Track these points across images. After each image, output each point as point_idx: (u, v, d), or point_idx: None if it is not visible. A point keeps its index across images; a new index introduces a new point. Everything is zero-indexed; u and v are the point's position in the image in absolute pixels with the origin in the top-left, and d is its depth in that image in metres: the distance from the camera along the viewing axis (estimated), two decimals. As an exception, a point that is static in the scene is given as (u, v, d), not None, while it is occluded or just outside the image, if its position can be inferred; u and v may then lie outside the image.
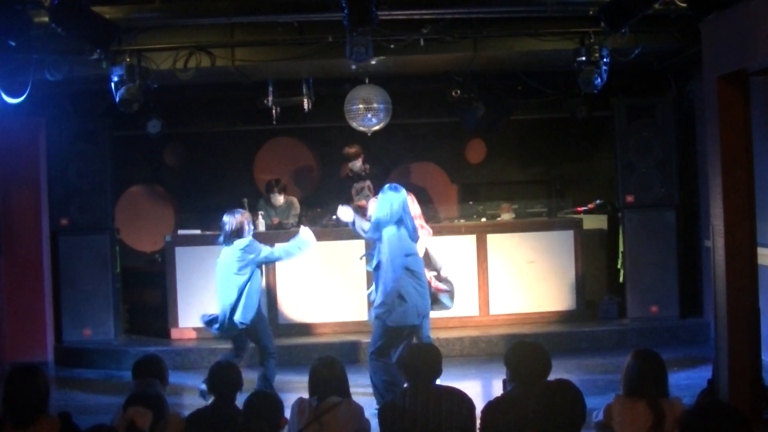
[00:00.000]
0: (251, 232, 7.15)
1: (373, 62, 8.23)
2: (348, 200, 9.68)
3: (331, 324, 9.20)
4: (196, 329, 9.32)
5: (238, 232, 7.05)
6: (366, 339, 8.89)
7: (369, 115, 9.13)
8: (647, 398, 4.31)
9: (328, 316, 9.09)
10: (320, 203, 10.18)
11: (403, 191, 6.83)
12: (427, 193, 10.73)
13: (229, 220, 7.08)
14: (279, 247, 7.22)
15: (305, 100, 9.46)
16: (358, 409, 4.72)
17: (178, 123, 10.45)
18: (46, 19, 6.40)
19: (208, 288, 9.29)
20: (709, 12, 5.24)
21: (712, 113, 5.15)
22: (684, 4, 6.58)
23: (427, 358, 4.81)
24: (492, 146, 11.28)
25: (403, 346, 6.60)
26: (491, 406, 4.46)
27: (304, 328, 9.29)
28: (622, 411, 4.34)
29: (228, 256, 7.09)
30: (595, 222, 10.27)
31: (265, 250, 7.10)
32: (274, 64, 8.36)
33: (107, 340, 9.26)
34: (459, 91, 9.62)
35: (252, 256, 7.02)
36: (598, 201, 10.26)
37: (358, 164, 9.80)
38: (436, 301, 7.08)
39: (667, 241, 9.39)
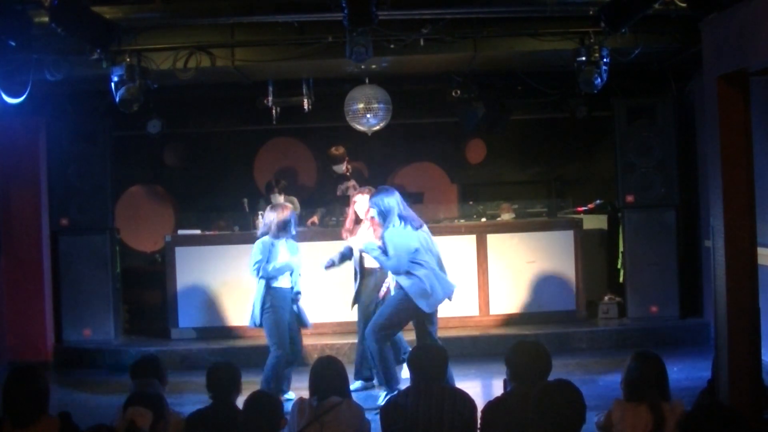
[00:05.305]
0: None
1: (373, 66, 8.26)
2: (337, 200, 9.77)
3: (331, 324, 9.20)
4: (196, 329, 9.33)
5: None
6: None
7: (369, 115, 9.13)
8: (648, 401, 4.29)
9: (328, 316, 9.08)
10: (320, 203, 10.18)
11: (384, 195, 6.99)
12: (427, 193, 10.74)
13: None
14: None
15: (305, 100, 9.46)
16: (359, 409, 4.72)
17: (178, 123, 10.45)
18: (46, 19, 6.40)
19: (208, 288, 9.32)
20: (709, 12, 5.23)
21: (712, 113, 5.15)
22: (684, 4, 6.58)
23: (434, 359, 4.81)
24: (492, 146, 11.29)
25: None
26: (491, 406, 4.46)
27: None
28: (622, 415, 4.32)
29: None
30: (595, 222, 10.27)
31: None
32: (274, 64, 8.36)
33: (107, 340, 9.26)
34: (459, 91, 9.62)
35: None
36: (598, 201, 10.27)
37: (342, 167, 9.83)
38: None
39: (667, 241, 9.38)
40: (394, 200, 6.93)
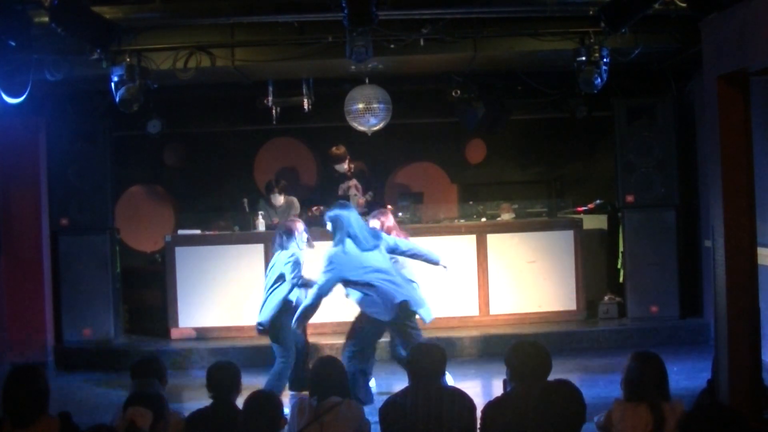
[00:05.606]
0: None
1: (379, 66, 8.25)
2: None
3: (331, 324, 9.19)
4: (196, 329, 9.33)
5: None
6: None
7: (369, 115, 9.13)
8: (648, 401, 4.29)
9: (328, 316, 9.06)
10: (320, 203, 10.18)
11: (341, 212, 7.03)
12: (427, 193, 10.74)
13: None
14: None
15: (305, 100, 9.46)
16: (358, 410, 4.72)
17: (178, 123, 10.45)
18: (46, 19, 6.40)
19: (208, 288, 9.32)
20: (709, 12, 5.23)
21: (712, 113, 5.15)
22: (684, 4, 6.58)
23: (433, 359, 4.81)
24: (492, 146, 11.29)
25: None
26: (491, 406, 4.46)
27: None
28: (622, 415, 4.32)
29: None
30: (595, 222, 10.27)
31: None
32: (274, 64, 8.36)
33: (107, 340, 9.26)
34: (459, 91, 9.62)
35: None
36: (598, 201, 10.27)
37: (344, 166, 9.85)
38: None
39: (667, 241, 9.39)
40: (348, 217, 6.94)
